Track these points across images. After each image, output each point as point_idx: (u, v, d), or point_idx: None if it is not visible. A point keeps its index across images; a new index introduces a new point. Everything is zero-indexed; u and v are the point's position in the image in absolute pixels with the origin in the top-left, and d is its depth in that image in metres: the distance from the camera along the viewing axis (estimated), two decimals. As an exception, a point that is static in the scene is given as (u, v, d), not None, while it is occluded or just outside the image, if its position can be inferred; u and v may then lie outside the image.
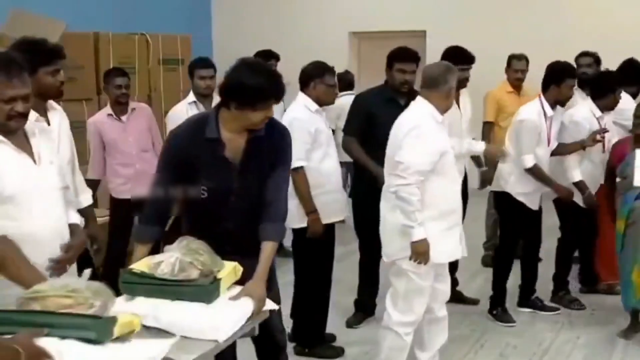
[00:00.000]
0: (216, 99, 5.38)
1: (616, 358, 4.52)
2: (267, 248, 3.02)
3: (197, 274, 2.77)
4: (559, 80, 4.86)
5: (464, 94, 5.20)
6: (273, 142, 3.11)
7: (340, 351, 4.54)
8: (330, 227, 4.38)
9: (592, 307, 5.31)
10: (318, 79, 4.37)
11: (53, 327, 2.12)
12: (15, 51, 3.27)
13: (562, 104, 4.99)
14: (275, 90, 2.99)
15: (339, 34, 9.98)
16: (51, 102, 3.59)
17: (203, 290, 2.75)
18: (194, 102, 5.20)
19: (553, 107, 4.89)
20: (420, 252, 3.64)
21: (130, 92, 5.36)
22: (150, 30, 7.42)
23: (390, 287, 3.91)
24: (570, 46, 6.88)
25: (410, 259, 3.67)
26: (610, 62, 6.01)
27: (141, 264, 2.88)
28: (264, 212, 3.07)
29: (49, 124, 3.48)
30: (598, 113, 5.11)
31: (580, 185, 5.07)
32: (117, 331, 2.24)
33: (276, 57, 7.04)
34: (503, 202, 5.06)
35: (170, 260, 2.78)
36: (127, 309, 2.58)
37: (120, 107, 5.21)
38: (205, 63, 5.28)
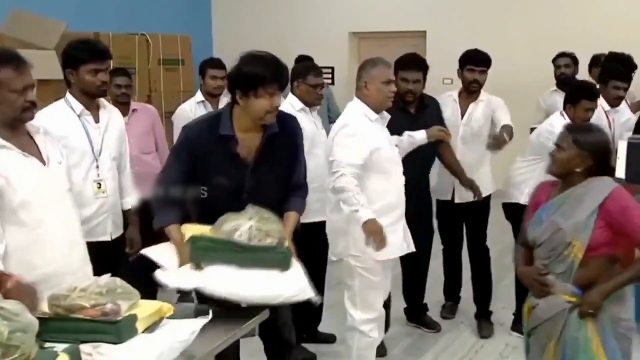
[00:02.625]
0: (223, 100, 5.45)
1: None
2: (291, 217, 3.19)
3: (275, 241, 2.85)
4: (575, 100, 4.65)
5: (483, 104, 4.92)
6: (287, 136, 3.19)
7: (313, 357, 4.52)
8: (314, 227, 4.32)
9: (592, 307, 5.31)
10: (301, 78, 4.42)
11: (80, 333, 2.27)
12: (66, 48, 3.61)
13: None
14: (274, 75, 3.01)
15: (339, 34, 9.98)
16: (103, 101, 3.79)
17: (286, 257, 2.88)
18: (202, 101, 5.29)
19: None
20: (373, 231, 3.53)
21: (131, 92, 5.29)
22: (150, 30, 7.41)
23: (345, 290, 3.90)
24: (571, 46, 6.88)
25: (366, 244, 3.57)
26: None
27: (198, 231, 2.92)
28: (291, 191, 3.23)
29: (97, 121, 3.67)
30: (606, 107, 5.13)
31: None
32: (141, 326, 2.34)
33: None
34: (516, 213, 4.71)
35: (244, 228, 2.81)
36: (195, 279, 2.73)
37: (120, 107, 5.10)
38: (217, 63, 5.43)
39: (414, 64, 4.63)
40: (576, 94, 4.73)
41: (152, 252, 2.98)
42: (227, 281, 2.74)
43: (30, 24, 5.80)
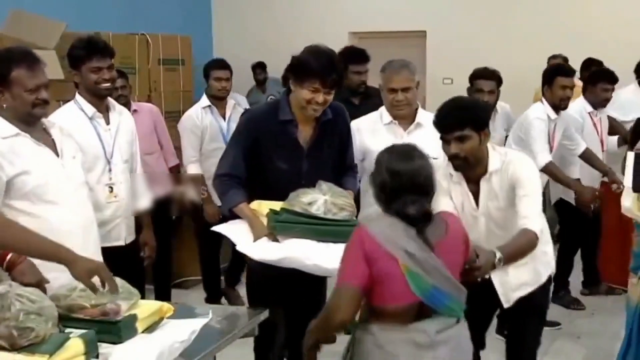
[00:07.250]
0: (230, 102, 5.41)
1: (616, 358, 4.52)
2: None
3: (349, 215, 2.90)
4: (550, 80, 4.84)
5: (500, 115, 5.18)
6: (339, 123, 3.31)
7: None
8: None
9: (592, 308, 5.30)
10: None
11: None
12: (69, 49, 3.60)
13: (557, 107, 4.90)
14: (319, 69, 3.07)
15: (338, 34, 9.94)
16: (113, 103, 3.76)
17: None
18: (208, 106, 5.19)
19: (555, 110, 4.86)
20: None
21: (128, 93, 5.22)
22: (150, 30, 7.40)
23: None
24: (572, 47, 6.88)
25: None
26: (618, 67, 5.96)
27: (271, 206, 2.96)
28: (345, 171, 3.37)
29: (107, 123, 3.62)
30: (589, 109, 5.19)
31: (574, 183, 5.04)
32: (141, 326, 2.36)
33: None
34: None
35: (320, 202, 2.86)
36: (278, 250, 2.77)
37: None
38: (221, 64, 5.36)
39: (365, 56, 5.07)
40: (549, 74, 4.86)
41: (223, 228, 3.05)
42: (311, 253, 2.78)
43: (30, 24, 5.78)
